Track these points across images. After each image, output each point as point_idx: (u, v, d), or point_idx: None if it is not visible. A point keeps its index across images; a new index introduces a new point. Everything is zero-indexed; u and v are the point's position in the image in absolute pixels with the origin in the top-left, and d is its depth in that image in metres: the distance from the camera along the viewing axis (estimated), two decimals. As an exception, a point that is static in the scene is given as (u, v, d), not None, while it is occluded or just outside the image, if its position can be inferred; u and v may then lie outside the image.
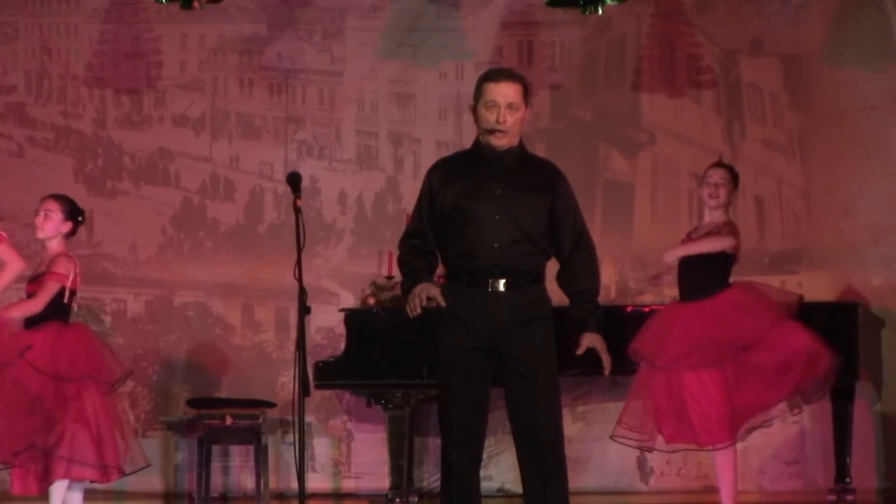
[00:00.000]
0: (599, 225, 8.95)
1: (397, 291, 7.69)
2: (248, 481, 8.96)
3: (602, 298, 5.92)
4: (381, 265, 8.94)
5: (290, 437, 8.66)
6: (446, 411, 5.71)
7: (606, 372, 5.79)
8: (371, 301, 8.68)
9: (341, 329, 8.40)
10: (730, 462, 7.17)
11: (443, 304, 5.65)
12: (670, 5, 9.24)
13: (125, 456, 7.05)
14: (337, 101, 9.35)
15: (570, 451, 5.86)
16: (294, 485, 7.30)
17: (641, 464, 8.95)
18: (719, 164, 7.54)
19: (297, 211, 5.81)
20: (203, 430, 8.53)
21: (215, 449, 8.75)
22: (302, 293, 5.80)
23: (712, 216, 7.41)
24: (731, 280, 7.40)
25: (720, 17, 9.22)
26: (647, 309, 7.94)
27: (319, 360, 8.19)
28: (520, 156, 5.76)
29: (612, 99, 9.28)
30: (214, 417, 8.54)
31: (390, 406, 8.08)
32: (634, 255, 9.06)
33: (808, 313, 7.44)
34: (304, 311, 5.80)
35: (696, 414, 7.07)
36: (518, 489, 5.98)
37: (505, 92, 5.65)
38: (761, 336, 7.14)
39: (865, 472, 8.66)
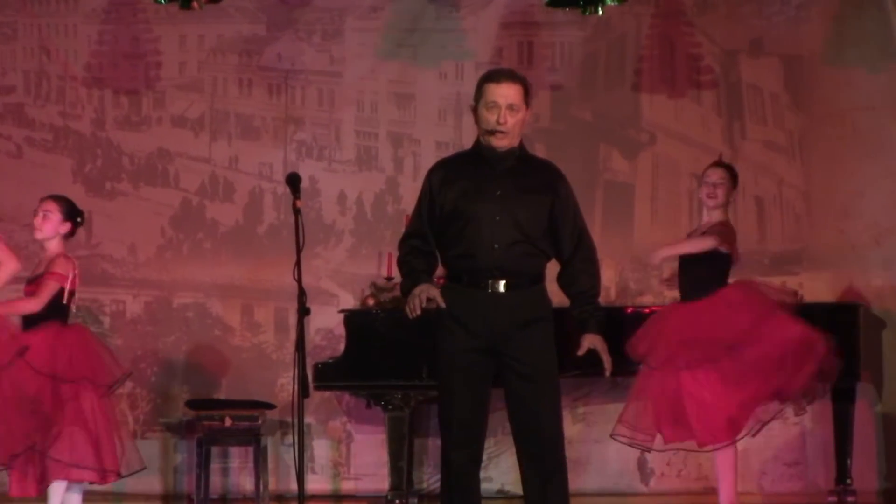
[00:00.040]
0: (599, 226, 8.93)
1: (397, 292, 7.68)
2: (247, 483, 8.95)
3: (602, 299, 5.90)
4: (381, 266, 8.93)
5: (289, 439, 8.63)
6: (446, 412, 5.70)
7: (607, 373, 5.77)
8: (371, 302, 8.68)
9: (341, 330, 8.39)
10: (730, 462, 7.16)
11: (443, 305, 5.64)
12: (670, 5, 9.23)
13: (122, 458, 7.03)
14: (336, 101, 9.34)
15: (570, 452, 5.84)
16: (293, 486, 7.28)
17: (642, 465, 8.93)
18: (718, 164, 7.52)
19: (297, 212, 5.80)
20: (202, 432, 8.53)
21: (214, 450, 8.74)
22: (301, 294, 5.79)
23: (711, 216, 7.40)
24: (733, 280, 7.38)
25: (720, 18, 9.21)
26: (647, 310, 7.93)
27: (319, 362, 8.19)
28: (520, 157, 5.74)
29: (612, 99, 9.27)
30: (214, 419, 8.53)
31: (390, 407, 8.07)
32: (635, 256, 9.05)
33: (808, 314, 7.42)
34: (303, 312, 5.79)
35: (695, 414, 7.05)
36: (518, 490, 5.97)
37: (506, 93, 5.63)
38: (753, 330, 7.12)
39: (866, 474, 8.65)
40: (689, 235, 7.58)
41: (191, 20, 9.13)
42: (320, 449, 9.12)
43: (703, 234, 7.35)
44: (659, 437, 7.22)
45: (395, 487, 8.13)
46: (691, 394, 7.06)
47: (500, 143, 5.66)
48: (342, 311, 8.52)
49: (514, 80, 5.67)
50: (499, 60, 9.09)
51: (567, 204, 5.75)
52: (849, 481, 8.23)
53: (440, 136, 9.27)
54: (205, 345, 9.22)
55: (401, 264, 5.80)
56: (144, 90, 9.35)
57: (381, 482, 8.58)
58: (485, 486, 6.62)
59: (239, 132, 9.34)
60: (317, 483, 8.97)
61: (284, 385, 8.97)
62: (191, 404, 8.77)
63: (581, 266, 5.76)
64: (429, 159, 8.32)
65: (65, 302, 7.08)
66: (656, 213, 9.19)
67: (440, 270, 5.83)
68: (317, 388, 8.05)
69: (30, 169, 9.23)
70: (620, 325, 7.56)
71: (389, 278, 8.70)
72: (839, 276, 8.93)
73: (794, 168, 9.18)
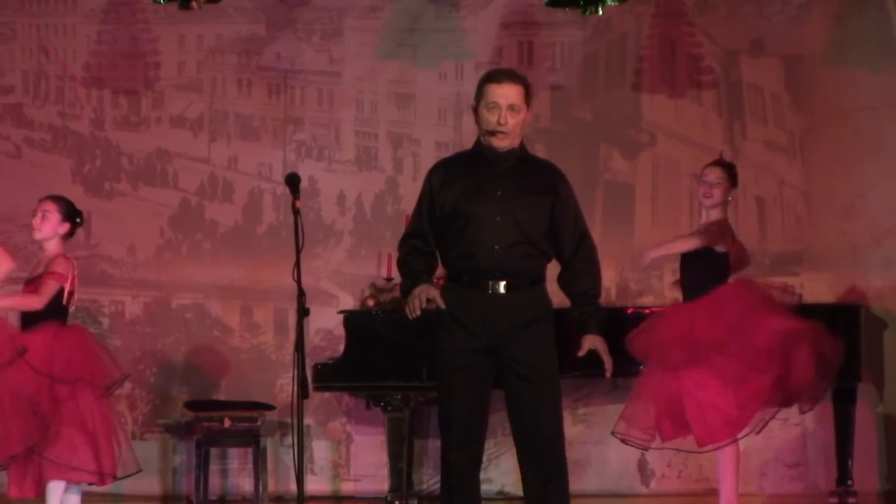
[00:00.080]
0: (600, 226, 8.92)
1: (396, 293, 7.67)
2: (246, 484, 8.93)
3: (603, 300, 5.89)
4: (381, 267, 8.92)
5: (288, 440, 8.62)
6: (446, 413, 5.68)
7: (608, 374, 5.76)
8: (370, 303, 8.66)
9: (340, 331, 8.38)
10: (731, 462, 7.14)
11: (442, 305, 5.63)
12: (671, 5, 9.22)
13: (119, 460, 7.02)
14: (336, 101, 9.33)
15: (570, 453, 5.83)
16: (293, 487, 7.27)
17: (642, 466, 8.92)
18: (715, 164, 7.51)
19: (296, 212, 5.78)
20: (201, 433, 8.52)
21: (213, 451, 8.72)
22: (301, 295, 5.77)
23: (708, 216, 7.39)
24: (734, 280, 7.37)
25: (721, 18, 9.21)
26: (647, 310, 7.92)
27: (318, 362, 8.17)
28: (521, 157, 5.73)
29: (612, 99, 9.26)
30: (213, 420, 8.52)
31: (390, 408, 8.06)
32: (635, 257, 9.01)
33: (809, 314, 7.40)
34: (302, 312, 5.77)
35: (693, 414, 7.04)
36: (518, 491, 5.96)
37: (506, 93, 5.62)
38: (738, 325, 7.09)
39: (867, 475, 8.64)
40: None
41: (190, 20, 9.12)
42: (320, 450, 9.11)
43: (692, 233, 7.37)
44: (659, 437, 7.20)
45: (395, 489, 8.12)
46: (690, 394, 7.04)
47: (501, 143, 5.65)
48: (342, 311, 8.50)
49: (515, 81, 5.66)
50: (499, 60, 9.08)
51: (568, 204, 5.73)
52: (850, 482, 8.22)
53: (440, 136, 9.25)
54: (204, 346, 9.20)
55: (400, 264, 5.78)
56: (143, 90, 9.34)
57: (380, 483, 8.57)
58: (485, 488, 6.61)
59: (238, 132, 9.33)
60: (316, 484, 8.96)
61: (284, 386, 8.96)
62: (190, 405, 8.76)
63: (582, 266, 5.74)
64: (428, 159, 8.31)
65: (64, 302, 7.06)
66: (657, 213, 9.18)
67: (440, 271, 5.81)
68: (316, 388, 8.04)
69: (28, 169, 9.21)
70: (621, 325, 7.54)
71: (389, 279, 8.69)
72: (840, 277, 8.92)
73: (795, 168, 9.17)
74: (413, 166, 9.21)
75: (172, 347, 9.20)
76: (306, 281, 5.91)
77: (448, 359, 5.66)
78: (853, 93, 9.02)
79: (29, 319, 7.04)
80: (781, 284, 7.71)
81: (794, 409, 7.40)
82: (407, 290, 5.69)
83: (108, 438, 6.97)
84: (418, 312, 5.62)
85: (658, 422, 7.13)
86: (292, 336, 7.47)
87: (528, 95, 5.67)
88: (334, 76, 9.35)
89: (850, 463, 8.20)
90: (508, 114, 5.61)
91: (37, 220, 7.12)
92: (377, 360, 8.06)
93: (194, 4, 8.63)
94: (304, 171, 8.68)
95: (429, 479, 8.91)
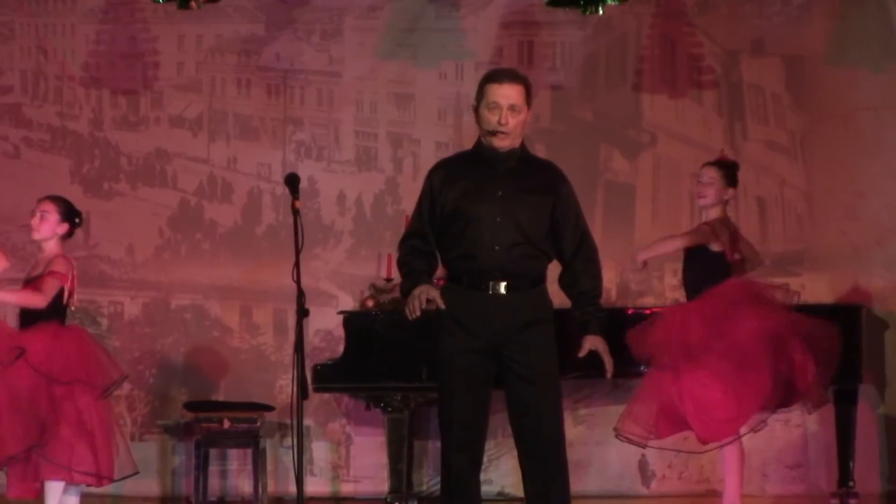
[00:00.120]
0: (600, 226, 8.91)
1: (396, 294, 7.65)
2: (245, 485, 8.92)
3: (603, 300, 5.87)
4: (381, 267, 8.91)
5: (288, 441, 8.60)
6: (446, 414, 5.67)
7: (609, 375, 5.75)
8: (370, 303, 8.65)
9: (340, 332, 8.36)
10: (735, 462, 7.13)
11: (442, 306, 5.61)
12: (671, 5, 9.20)
13: (117, 461, 7.00)
14: (336, 101, 9.32)
15: (571, 454, 5.82)
16: (292, 489, 7.27)
17: (643, 467, 8.91)
18: (710, 163, 7.50)
19: (296, 212, 5.77)
20: (200, 434, 8.51)
21: (213, 452, 8.71)
22: (300, 295, 5.76)
23: (707, 215, 7.39)
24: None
25: (721, 18, 9.20)
26: (648, 311, 7.90)
27: (318, 363, 8.16)
28: (521, 157, 5.72)
29: (612, 99, 9.25)
30: (212, 421, 8.51)
31: (389, 409, 8.04)
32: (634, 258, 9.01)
33: (810, 315, 7.38)
34: (302, 313, 5.76)
35: (693, 414, 7.02)
36: (518, 493, 5.95)
37: (507, 93, 5.60)
38: (724, 323, 7.07)
39: (869, 476, 8.63)
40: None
41: (189, 20, 9.11)
42: (319, 451, 9.09)
43: (682, 233, 7.37)
44: (656, 434, 7.19)
45: (395, 490, 8.10)
46: (690, 393, 7.03)
47: (502, 143, 5.63)
48: (341, 312, 8.49)
49: (516, 81, 5.64)
50: (499, 60, 9.07)
51: (568, 205, 5.72)
52: (851, 484, 8.19)
53: (440, 136, 9.24)
54: (203, 346, 9.19)
55: (400, 265, 5.77)
56: (142, 90, 9.32)
57: (380, 484, 8.56)
58: (485, 489, 6.59)
59: (237, 132, 9.32)
60: (316, 485, 8.94)
61: (283, 387, 8.95)
62: (189, 406, 8.75)
63: (582, 267, 5.73)
64: (428, 159, 8.29)
65: (65, 302, 7.05)
66: (657, 213, 9.17)
67: (440, 271, 5.80)
68: (316, 389, 8.02)
69: (27, 169, 9.20)
70: (622, 326, 7.52)
71: (389, 279, 8.68)
72: (841, 277, 8.91)
73: (796, 168, 9.15)
74: (413, 166, 9.20)
75: (171, 348, 9.18)
76: (306, 281, 5.89)
77: (448, 360, 5.64)
78: (854, 93, 9.01)
79: (28, 319, 7.02)
80: (779, 284, 7.71)
81: (796, 410, 7.39)
82: (407, 290, 5.68)
83: (106, 440, 6.96)
84: (418, 313, 5.60)
85: (656, 420, 7.12)
86: (292, 337, 7.45)
87: (528, 95, 5.66)
88: (334, 76, 9.33)
89: (851, 464, 8.18)
90: (509, 114, 5.59)
91: (35, 221, 7.11)
92: (377, 361, 8.04)
93: (193, 4, 8.62)
94: (304, 172, 8.66)
95: (429, 481, 8.90)
